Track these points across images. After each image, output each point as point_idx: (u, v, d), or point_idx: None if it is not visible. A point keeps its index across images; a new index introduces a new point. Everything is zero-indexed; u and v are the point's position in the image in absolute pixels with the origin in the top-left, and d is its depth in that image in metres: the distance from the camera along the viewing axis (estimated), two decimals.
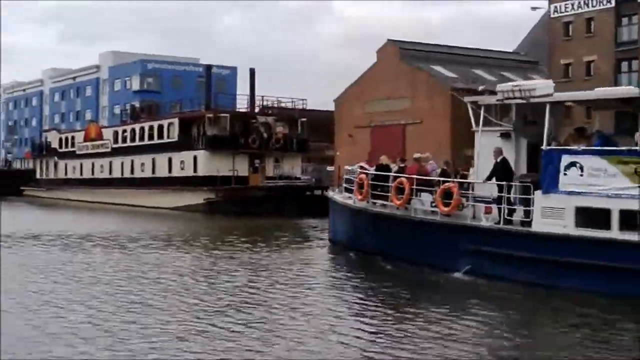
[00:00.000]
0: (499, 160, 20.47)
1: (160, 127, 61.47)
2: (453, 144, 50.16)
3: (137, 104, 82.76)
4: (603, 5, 51.69)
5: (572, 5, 53.47)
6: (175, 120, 60.18)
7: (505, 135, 21.27)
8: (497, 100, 21.20)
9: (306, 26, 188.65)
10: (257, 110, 62.31)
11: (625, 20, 51.56)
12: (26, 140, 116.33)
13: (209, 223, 43.79)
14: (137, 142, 64.83)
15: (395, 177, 23.37)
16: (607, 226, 17.82)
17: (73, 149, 76.34)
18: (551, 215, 18.86)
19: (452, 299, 17.93)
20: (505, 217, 19.86)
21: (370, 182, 24.44)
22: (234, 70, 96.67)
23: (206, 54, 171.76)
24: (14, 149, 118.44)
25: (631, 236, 17.43)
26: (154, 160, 61.52)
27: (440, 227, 21.39)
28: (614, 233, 17.72)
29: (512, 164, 20.76)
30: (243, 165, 55.18)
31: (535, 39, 69.04)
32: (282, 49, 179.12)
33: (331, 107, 67.51)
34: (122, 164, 66.53)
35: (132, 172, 65.28)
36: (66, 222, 44.64)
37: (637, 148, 17.91)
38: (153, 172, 61.73)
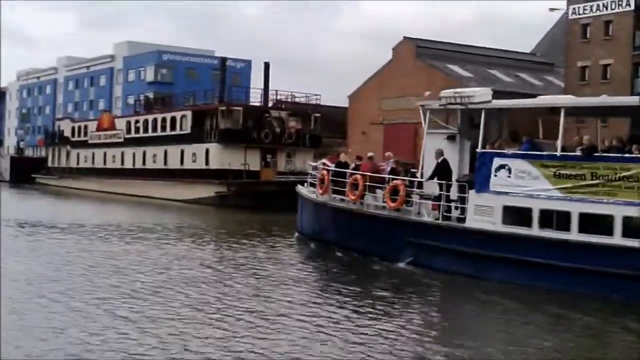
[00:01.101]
0: (439, 160, 21.95)
1: (173, 119, 61.35)
2: None
3: (150, 95, 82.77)
4: (622, 8, 51.17)
5: (591, 7, 52.96)
6: (189, 113, 60.05)
7: (450, 138, 22.77)
8: (440, 105, 22.78)
9: (324, 21, 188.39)
10: (270, 104, 62.16)
11: None
12: (39, 128, 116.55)
13: (222, 216, 43.63)
14: (149, 133, 64.74)
15: (352, 174, 24.95)
16: (529, 224, 19.46)
17: (85, 138, 76.35)
18: (482, 213, 20.48)
19: (386, 286, 19.21)
20: (444, 213, 21.49)
21: (330, 178, 26.02)
22: (248, 63, 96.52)
23: (223, 45, 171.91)
24: (27, 137, 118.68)
25: (549, 234, 19.07)
26: (166, 152, 61.41)
27: (387, 221, 23.05)
28: (535, 230, 19.36)
29: (456, 164, 22.19)
30: (255, 159, 54.97)
31: (553, 40, 68.62)
32: (298, 43, 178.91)
33: (345, 103, 67.26)
34: (134, 154, 66.44)
35: (143, 163, 65.19)
36: (80, 211, 44.83)
37: (557, 153, 19.51)
38: (165, 163, 61.64)
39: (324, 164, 27.71)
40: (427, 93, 25.33)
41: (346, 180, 25.10)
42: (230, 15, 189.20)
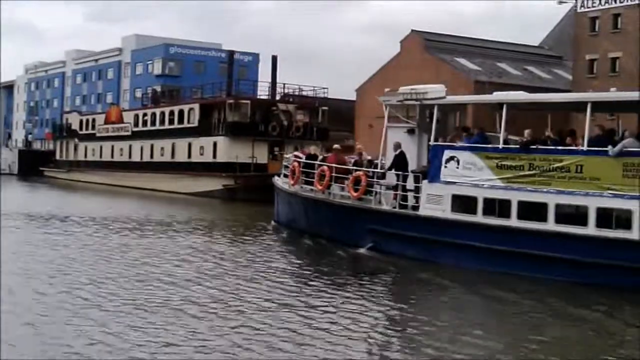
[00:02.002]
0: (397, 152, 23.39)
1: (181, 112, 61.38)
2: None
3: (158, 88, 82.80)
4: (631, 1, 50.97)
5: (600, 0, 52.81)
6: (196, 106, 60.07)
7: (410, 131, 24.18)
8: (398, 101, 24.10)
9: (332, 14, 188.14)
10: (278, 97, 62.10)
11: None
12: (47, 121, 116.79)
13: (228, 209, 43.67)
14: (157, 126, 64.79)
15: (319, 165, 26.41)
16: (474, 211, 20.93)
17: (93, 131, 76.46)
18: (433, 201, 21.94)
19: (343, 270, 20.71)
20: (400, 202, 22.86)
21: (301, 169, 27.47)
22: (256, 56, 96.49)
23: (230, 38, 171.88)
24: (35, 130, 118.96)
25: (491, 220, 20.54)
26: (173, 145, 61.45)
27: (350, 209, 24.42)
28: (479, 217, 20.83)
29: (415, 156, 23.62)
30: (262, 152, 54.94)
31: (562, 33, 68.44)
32: (306, 37, 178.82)
33: (353, 96, 67.19)
34: (142, 147, 66.51)
35: (151, 156, 65.26)
36: (89, 204, 44.96)
37: (499, 146, 21.00)
38: (172, 156, 61.69)
39: (296, 156, 29.24)
40: (387, 90, 26.20)
41: (315, 171, 26.48)
42: (238, 9, 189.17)
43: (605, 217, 18.67)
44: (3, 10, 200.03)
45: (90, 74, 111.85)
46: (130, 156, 68.90)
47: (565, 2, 60.05)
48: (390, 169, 23.46)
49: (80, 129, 79.44)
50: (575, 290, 17.95)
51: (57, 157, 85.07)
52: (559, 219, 19.34)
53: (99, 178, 71.41)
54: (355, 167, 25.13)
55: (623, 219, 18.43)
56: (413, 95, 23.29)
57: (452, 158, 21.77)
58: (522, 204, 20.00)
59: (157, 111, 66.04)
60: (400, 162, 23.22)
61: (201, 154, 57.48)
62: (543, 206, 19.57)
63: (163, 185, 59.43)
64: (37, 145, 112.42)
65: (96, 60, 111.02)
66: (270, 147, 55.65)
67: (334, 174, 25.45)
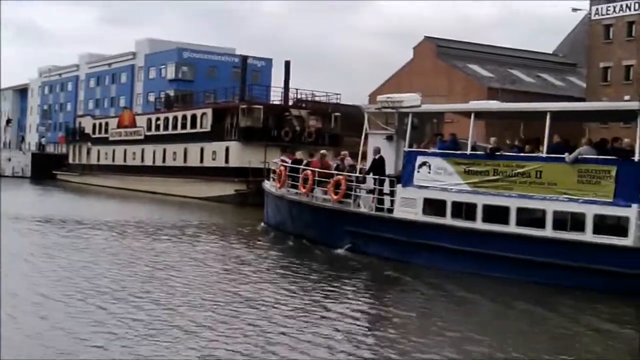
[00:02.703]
0: (376, 157, 24.68)
1: (194, 117, 61.50)
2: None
3: (171, 93, 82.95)
4: None
5: (614, 8, 52.65)
6: (209, 110, 60.17)
7: (389, 138, 25.39)
8: (376, 109, 25.76)
9: (344, 19, 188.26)
10: (290, 103, 62.13)
11: None
12: (60, 125, 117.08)
13: (241, 213, 43.69)
14: (170, 131, 64.93)
15: (304, 170, 27.54)
16: (443, 214, 22.12)
17: (106, 135, 76.67)
18: (407, 205, 23.09)
19: (322, 270, 21.59)
20: (377, 205, 24.01)
21: (287, 173, 28.58)
22: (269, 62, 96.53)
23: (242, 42, 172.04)
24: (48, 133, 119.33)
25: (459, 223, 21.67)
26: (185, 150, 61.57)
27: (330, 212, 25.68)
28: (448, 220, 21.99)
29: (393, 161, 24.72)
30: (275, 157, 54.88)
31: (575, 40, 68.27)
32: (318, 41, 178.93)
33: (365, 102, 67.13)
34: (154, 152, 66.65)
35: (163, 160, 65.39)
36: (102, 208, 45.19)
37: (467, 152, 22.33)
38: (185, 161, 61.80)
39: (282, 160, 30.41)
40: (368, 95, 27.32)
41: (299, 175, 27.69)
42: (250, 13, 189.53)
43: (561, 220, 19.78)
44: (17, 13, 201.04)
45: (104, 78, 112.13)
46: (142, 160, 69.07)
47: (580, 10, 59.97)
48: (368, 173, 24.88)
49: (93, 132, 79.69)
50: (533, 289, 18.94)
51: (70, 160, 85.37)
52: (520, 222, 20.44)
53: (111, 182, 71.56)
54: (336, 172, 26.18)
55: (577, 222, 19.49)
56: (390, 104, 24.85)
57: (424, 163, 23.02)
58: (486, 208, 21.15)
59: (170, 115, 66.20)
60: (378, 166, 24.48)
61: (213, 159, 57.56)
62: (505, 209, 20.68)
63: (175, 189, 59.51)
64: (50, 149, 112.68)
65: (109, 64, 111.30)
66: (283, 152, 55.57)
67: (316, 178, 26.57)
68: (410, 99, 24.55)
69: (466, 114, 24.35)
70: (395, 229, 23.16)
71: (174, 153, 63.37)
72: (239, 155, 54.63)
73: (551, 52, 71.16)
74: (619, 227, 19.02)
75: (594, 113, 25.26)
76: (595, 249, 19.01)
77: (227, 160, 55.94)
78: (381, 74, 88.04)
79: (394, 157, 24.89)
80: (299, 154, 31.18)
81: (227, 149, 56.04)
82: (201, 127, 60.06)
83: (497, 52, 63.36)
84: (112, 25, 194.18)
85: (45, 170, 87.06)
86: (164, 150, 65.07)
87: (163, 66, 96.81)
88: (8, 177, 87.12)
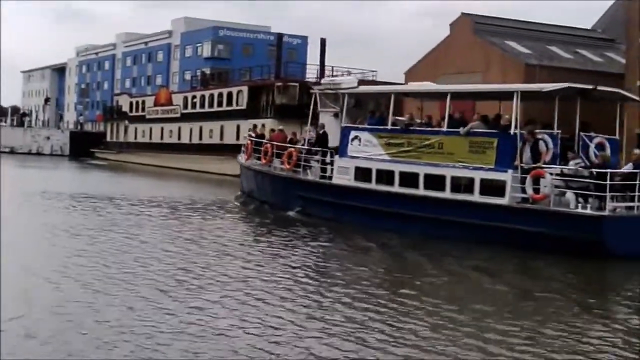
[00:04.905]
0: (320, 132, 28.55)
1: (230, 95, 61.69)
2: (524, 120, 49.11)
3: (207, 71, 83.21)
4: None
5: None
6: (245, 88, 60.33)
7: (335, 115, 28.82)
8: (319, 90, 30.15)
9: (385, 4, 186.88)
10: None
11: None
12: (97, 103, 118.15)
13: None
14: (206, 109, 65.21)
15: (265, 144, 31.39)
16: (370, 180, 25.89)
17: (143, 114, 77.21)
18: (342, 173, 26.93)
19: (273, 227, 25.32)
20: (321, 173, 27.85)
21: (253, 146, 32.46)
22: (304, 39, 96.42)
23: (278, 21, 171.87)
24: (86, 112, 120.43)
25: (381, 187, 25.47)
26: (222, 127, 61.82)
27: (284, 179, 29.51)
28: (373, 185, 25.82)
29: (337, 136, 27.69)
30: (311, 134, 54.89)
31: (614, 16, 67.28)
32: (355, 20, 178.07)
33: (402, 79, 66.83)
34: (191, 129, 67.01)
35: (200, 138, 65.74)
36: (144, 185, 45.55)
37: (387, 127, 26.09)
38: (221, 138, 62.07)
39: (250, 135, 34.83)
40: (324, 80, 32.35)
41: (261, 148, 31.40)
42: None
43: (457, 184, 23.37)
44: None
45: (140, 57, 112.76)
46: (179, 138, 69.50)
47: None
48: (313, 146, 28.62)
49: (130, 111, 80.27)
50: (431, 243, 22.19)
51: (108, 138, 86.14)
52: (427, 186, 24.04)
53: (148, 159, 72.13)
54: (289, 145, 29.86)
55: (469, 185, 23.05)
56: (330, 86, 29.32)
57: (356, 137, 26.75)
58: (402, 174, 24.80)
59: (206, 93, 66.46)
60: (321, 140, 28.14)
61: None
62: (416, 176, 24.36)
63: (211, 166, 59.81)
64: (88, 127, 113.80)
65: (146, 43, 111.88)
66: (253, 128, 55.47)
67: (275, 150, 30.16)
68: (347, 82, 29.21)
69: (392, 94, 27.63)
70: (333, 194, 27.03)
71: (210, 131, 63.66)
72: None
73: (590, 28, 70.19)
74: (498, 189, 22.31)
75: (484, 93, 28.62)
76: (481, 208, 22.46)
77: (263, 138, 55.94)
78: (417, 52, 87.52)
79: (337, 132, 27.88)
80: (259, 129, 36.61)
81: (262, 127, 56.03)
82: (237, 104, 60.27)
83: (535, 28, 62.51)
84: (149, 7, 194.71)
85: (83, 148, 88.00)
86: (200, 128, 65.39)
87: (199, 44, 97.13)
88: (47, 155, 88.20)
